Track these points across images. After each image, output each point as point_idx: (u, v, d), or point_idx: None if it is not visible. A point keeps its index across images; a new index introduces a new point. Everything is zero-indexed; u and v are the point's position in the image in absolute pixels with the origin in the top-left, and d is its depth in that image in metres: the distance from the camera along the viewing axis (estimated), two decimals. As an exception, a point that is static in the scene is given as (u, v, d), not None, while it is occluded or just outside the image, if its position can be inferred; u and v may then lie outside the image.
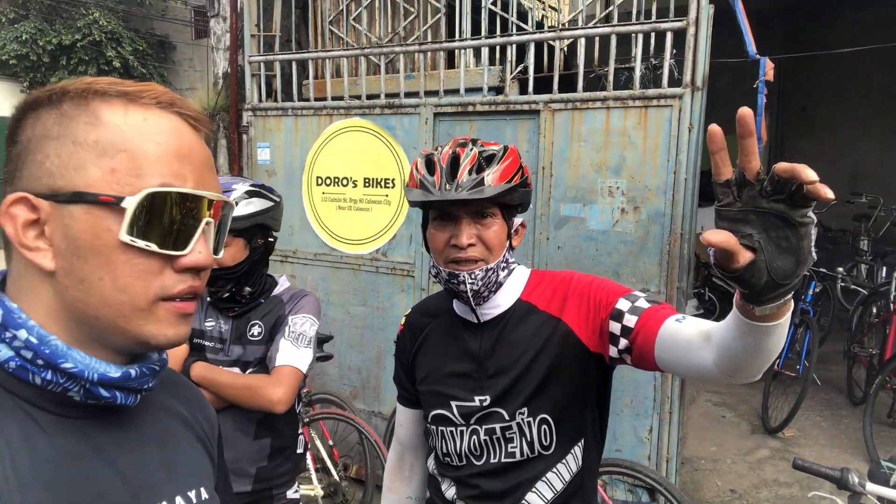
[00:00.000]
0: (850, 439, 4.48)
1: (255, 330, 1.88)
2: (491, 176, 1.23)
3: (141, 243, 0.66)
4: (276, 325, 1.87)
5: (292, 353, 1.80)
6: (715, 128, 0.76)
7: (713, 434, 4.67)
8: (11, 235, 0.66)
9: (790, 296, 0.83)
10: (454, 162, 1.25)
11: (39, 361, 0.66)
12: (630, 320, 1.20)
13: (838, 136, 8.72)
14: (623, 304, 1.23)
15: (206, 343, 1.88)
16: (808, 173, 0.70)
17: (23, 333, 0.66)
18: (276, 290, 1.97)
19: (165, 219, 0.68)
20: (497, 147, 1.29)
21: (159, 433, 0.81)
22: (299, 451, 2.01)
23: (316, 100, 3.99)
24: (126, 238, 0.65)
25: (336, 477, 3.43)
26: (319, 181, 3.94)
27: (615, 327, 1.22)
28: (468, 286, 1.26)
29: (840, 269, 5.13)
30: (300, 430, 2.03)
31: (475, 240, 1.26)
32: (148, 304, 0.68)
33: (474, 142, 1.30)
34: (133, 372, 0.71)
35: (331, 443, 3.58)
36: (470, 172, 1.23)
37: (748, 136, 0.73)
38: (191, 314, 0.73)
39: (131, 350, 0.72)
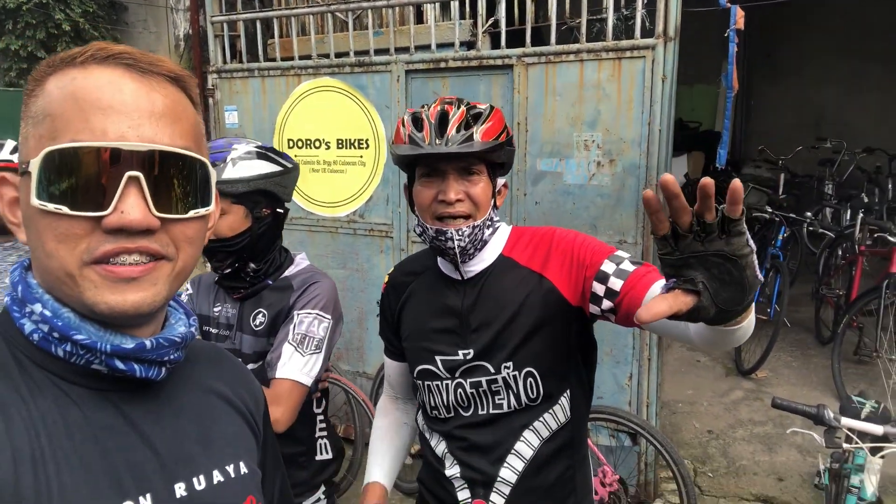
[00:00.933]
0: (820, 377, 4.66)
1: (259, 319, 1.66)
2: (479, 132, 1.26)
3: (51, 206, 0.63)
4: (280, 317, 1.63)
5: (295, 363, 1.55)
6: (649, 192, 0.79)
7: (689, 378, 4.82)
8: (2, 213, 0.71)
9: (751, 305, 0.89)
10: (443, 118, 1.27)
11: (55, 334, 0.67)
12: (615, 283, 1.21)
13: (803, 81, 8.79)
14: (608, 266, 1.23)
15: (213, 330, 1.72)
16: (734, 208, 0.76)
17: (38, 307, 0.67)
18: (289, 271, 1.71)
19: (76, 178, 0.63)
20: (483, 106, 1.32)
21: (196, 407, 0.80)
22: (322, 456, 1.76)
23: (282, 59, 3.88)
24: (36, 203, 0.63)
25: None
26: (291, 143, 3.87)
27: (599, 289, 1.23)
28: (456, 243, 1.28)
29: (808, 214, 5.24)
30: (320, 433, 1.77)
31: (463, 195, 1.28)
32: (77, 269, 0.65)
33: (461, 100, 1.32)
34: (149, 343, 0.70)
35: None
36: (458, 129, 1.25)
37: (674, 198, 0.77)
38: (136, 278, 0.66)
39: (100, 319, 0.68)
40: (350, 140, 3.69)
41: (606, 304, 1.23)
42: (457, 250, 1.29)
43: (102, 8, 8.34)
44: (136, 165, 0.65)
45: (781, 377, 4.75)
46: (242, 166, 1.59)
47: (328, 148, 3.76)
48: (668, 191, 0.77)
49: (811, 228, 5.37)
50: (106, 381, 0.70)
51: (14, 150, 2.28)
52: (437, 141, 1.24)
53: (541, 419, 1.33)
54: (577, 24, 3.17)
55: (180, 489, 0.73)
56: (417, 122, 1.30)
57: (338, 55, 3.69)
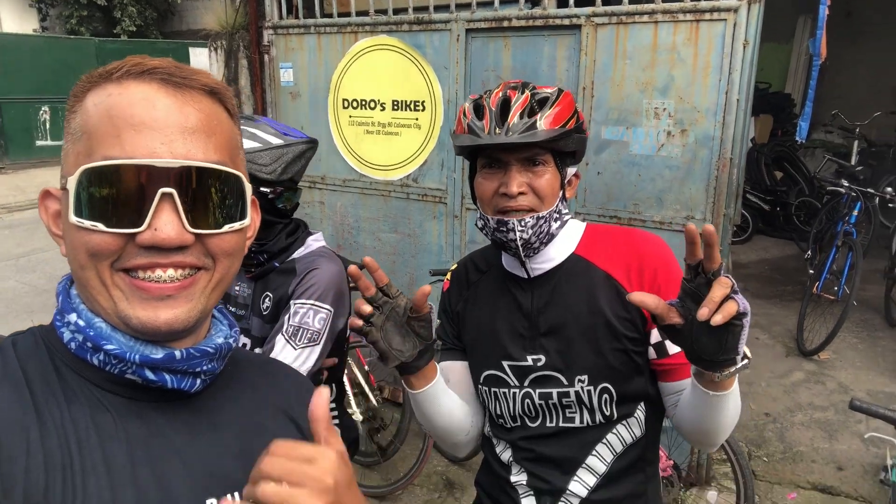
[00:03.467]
0: (888, 361, 4.44)
1: (266, 303, 1.61)
2: (544, 119, 1.15)
3: (87, 224, 0.64)
4: (281, 304, 1.58)
5: (286, 357, 1.49)
6: (691, 226, 0.95)
7: (746, 356, 4.65)
8: (45, 224, 0.72)
9: (726, 373, 0.99)
10: (504, 105, 1.17)
11: (88, 344, 0.68)
12: (672, 346, 1.20)
13: (884, 44, 8.20)
14: None
15: (231, 309, 1.67)
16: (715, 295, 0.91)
17: (73, 317, 0.69)
18: (298, 253, 1.64)
19: (109, 195, 0.64)
20: (551, 90, 1.20)
21: (241, 421, 0.78)
22: None
23: (339, 15, 3.77)
24: (73, 220, 0.65)
25: (374, 402, 3.48)
26: (346, 104, 3.78)
27: (654, 336, 1.22)
28: (518, 234, 1.18)
29: (888, 190, 4.91)
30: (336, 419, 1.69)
31: (526, 188, 1.18)
32: (109, 277, 0.66)
33: (526, 85, 1.21)
34: (178, 354, 0.69)
35: (367, 368, 3.61)
36: (521, 116, 1.15)
37: (711, 247, 0.93)
38: (171, 296, 0.66)
39: (135, 335, 0.68)
40: (406, 101, 3.58)
41: (651, 352, 1.23)
42: (519, 243, 1.19)
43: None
44: (169, 182, 0.65)
45: (846, 360, 4.54)
46: None
47: (383, 109, 3.66)
48: (708, 239, 0.92)
49: (889, 203, 5.04)
50: (141, 391, 0.70)
51: None
52: (496, 130, 1.15)
53: (614, 432, 1.24)
54: (652, -19, 2.95)
55: None
56: (478, 109, 1.20)
57: (396, 11, 3.55)
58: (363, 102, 3.72)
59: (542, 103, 1.16)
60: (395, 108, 3.61)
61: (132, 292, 0.66)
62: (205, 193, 0.67)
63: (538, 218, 1.18)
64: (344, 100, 3.79)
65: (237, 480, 0.74)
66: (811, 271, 5.08)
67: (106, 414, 0.67)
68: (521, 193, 1.17)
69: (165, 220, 0.65)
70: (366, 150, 3.78)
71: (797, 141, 3.06)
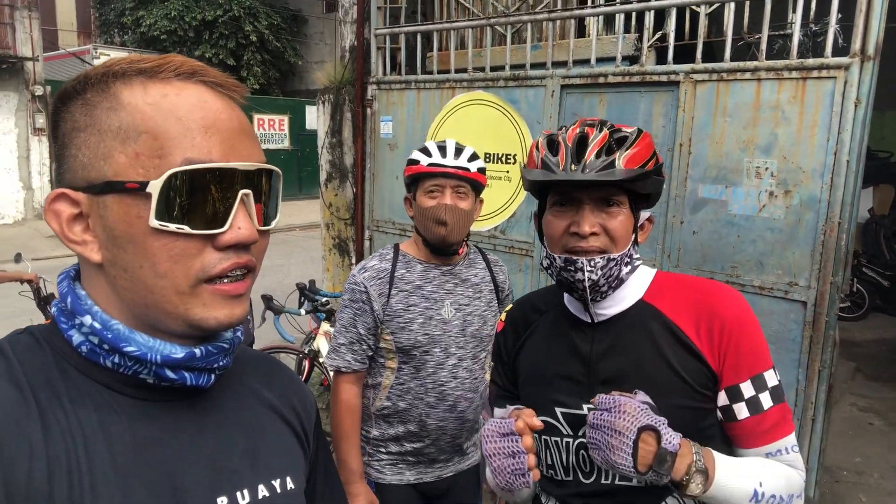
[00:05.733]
0: None
1: None
2: (622, 159, 1.10)
3: (172, 227, 0.64)
4: None
5: None
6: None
7: (859, 443, 4.23)
8: (57, 231, 0.67)
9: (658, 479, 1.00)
10: (581, 141, 1.13)
11: (105, 346, 0.67)
12: (741, 410, 1.13)
13: None
14: (747, 388, 1.13)
15: None
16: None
17: (87, 319, 0.67)
18: None
19: (195, 197, 0.64)
20: (630, 129, 1.15)
21: (243, 419, 0.78)
22: None
23: (439, 72, 3.91)
24: (156, 224, 0.63)
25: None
26: (440, 155, 3.88)
27: (723, 400, 1.15)
28: (586, 274, 1.12)
29: None
30: None
31: (598, 228, 1.13)
32: (190, 288, 0.66)
33: (604, 123, 1.17)
34: (198, 352, 0.69)
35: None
36: (599, 154, 1.10)
37: None
38: (242, 294, 0.69)
39: (189, 334, 0.69)
40: (498, 154, 3.63)
41: (718, 415, 1.16)
42: (587, 283, 1.12)
43: (286, 21, 9.08)
44: (245, 183, 0.67)
45: (979, 457, 4.02)
46: None
47: (476, 161, 3.72)
48: None
49: None
50: (151, 391, 0.70)
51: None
52: (572, 167, 1.10)
53: (675, 496, 1.13)
54: (755, 39, 2.88)
55: (223, 503, 0.71)
56: (553, 144, 1.16)
57: (493, 69, 3.65)
58: (457, 154, 3.80)
59: (621, 142, 1.12)
60: (487, 160, 3.66)
61: (213, 298, 0.67)
62: (265, 194, 0.70)
63: (609, 259, 1.13)
64: (438, 151, 3.88)
65: (245, 478, 0.74)
66: (937, 354, 4.58)
67: (114, 415, 0.67)
68: (593, 234, 1.12)
69: (242, 220, 0.67)
70: (457, 200, 3.84)
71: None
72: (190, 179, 0.64)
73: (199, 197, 0.64)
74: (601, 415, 1.01)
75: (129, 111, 0.64)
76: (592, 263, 1.12)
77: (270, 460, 0.78)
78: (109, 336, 0.66)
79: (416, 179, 1.90)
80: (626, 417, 0.99)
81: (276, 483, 0.77)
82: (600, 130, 1.13)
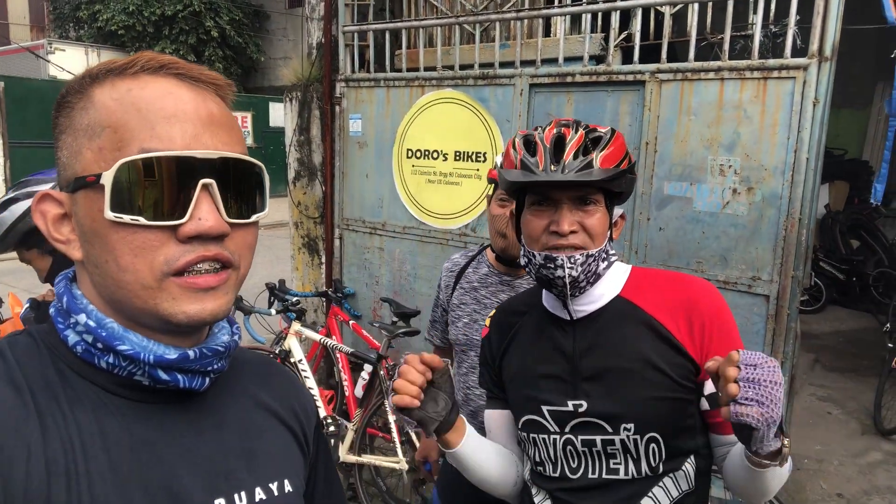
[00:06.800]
0: (978, 447, 4.08)
1: None
2: (599, 158, 1.13)
3: (127, 218, 0.63)
4: None
5: None
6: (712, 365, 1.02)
7: (818, 432, 4.37)
8: (43, 230, 0.68)
9: (776, 459, 1.00)
10: (559, 142, 1.15)
11: (99, 345, 0.66)
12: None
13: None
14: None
15: None
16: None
17: (82, 318, 0.67)
18: None
19: (150, 187, 0.63)
20: (604, 129, 1.19)
21: (241, 420, 0.78)
22: None
23: (408, 70, 3.91)
24: (111, 215, 0.63)
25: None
26: (410, 154, 3.88)
27: (709, 389, 1.18)
28: (566, 270, 1.15)
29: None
30: None
31: (577, 226, 1.16)
32: (156, 282, 0.64)
33: (578, 123, 1.20)
34: (192, 353, 0.69)
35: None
36: (576, 154, 1.13)
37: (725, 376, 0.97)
38: (214, 287, 0.67)
39: (166, 329, 0.68)
40: (468, 153, 3.65)
41: (704, 403, 1.19)
42: (567, 280, 1.15)
43: (248, 16, 8.94)
44: (208, 173, 0.65)
45: (930, 442, 4.20)
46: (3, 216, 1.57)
47: (446, 159, 3.74)
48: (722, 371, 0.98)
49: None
50: (148, 393, 0.69)
51: None
52: (552, 167, 1.13)
53: (661, 486, 1.17)
54: (718, 40, 2.95)
55: None
56: (530, 145, 1.18)
57: (462, 67, 3.66)
58: (426, 153, 3.81)
59: (596, 142, 1.15)
60: (458, 158, 3.68)
61: (182, 292, 0.65)
62: (235, 185, 0.68)
63: (588, 255, 1.16)
64: (408, 150, 3.89)
65: (242, 480, 0.73)
66: (890, 345, 4.77)
67: (111, 417, 0.66)
68: (572, 232, 1.15)
69: (206, 210, 0.65)
70: (427, 198, 3.85)
71: (873, 204, 2.93)
72: (144, 169, 0.63)
73: (156, 187, 0.63)
74: (754, 370, 0.95)
75: (98, 108, 0.65)
76: (572, 260, 1.15)
77: (268, 463, 0.78)
78: (104, 334, 0.66)
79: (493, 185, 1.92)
80: (778, 369, 0.96)
81: (274, 486, 0.77)
82: (576, 131, 1.16)
